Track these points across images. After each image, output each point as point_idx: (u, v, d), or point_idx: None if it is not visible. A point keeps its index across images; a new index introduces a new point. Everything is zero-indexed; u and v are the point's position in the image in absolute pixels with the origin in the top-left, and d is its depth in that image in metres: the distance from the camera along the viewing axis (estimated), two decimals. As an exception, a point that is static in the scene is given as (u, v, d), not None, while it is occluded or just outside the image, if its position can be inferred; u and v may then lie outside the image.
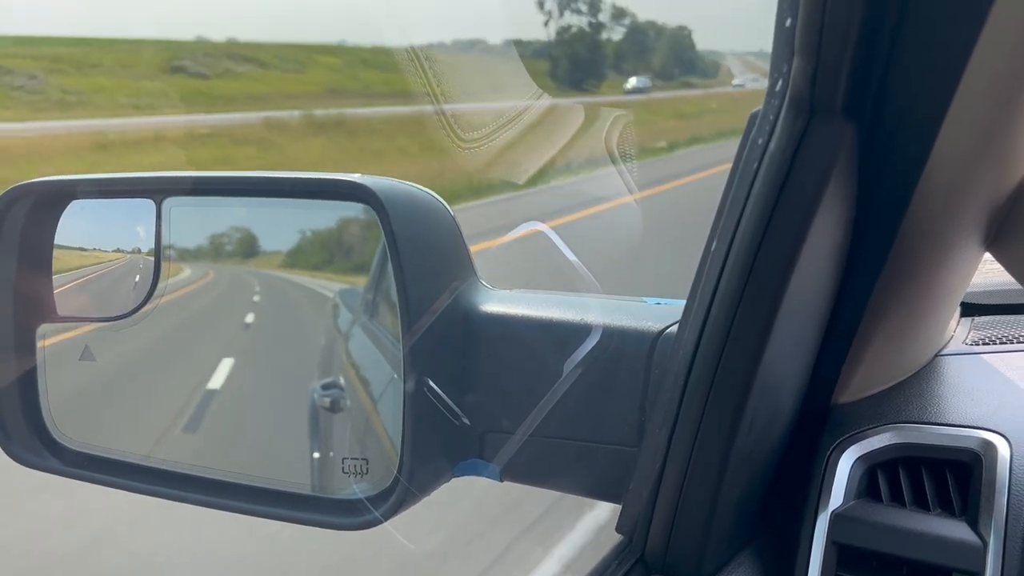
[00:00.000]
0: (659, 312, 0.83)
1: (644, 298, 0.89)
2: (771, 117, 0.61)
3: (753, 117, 0.64)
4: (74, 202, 0.92)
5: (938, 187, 0.65)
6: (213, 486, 0.88)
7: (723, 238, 0.66)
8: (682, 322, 0.73)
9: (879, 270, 0.73)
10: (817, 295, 0.73)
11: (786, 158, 0.61)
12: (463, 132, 0.88)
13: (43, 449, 0.93)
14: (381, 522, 0.83)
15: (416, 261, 0.80)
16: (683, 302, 0.78)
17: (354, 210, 0.81)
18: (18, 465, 0.93)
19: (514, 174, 1.00)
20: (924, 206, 0.66)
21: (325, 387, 0.93)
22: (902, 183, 0.65)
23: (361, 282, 0.92)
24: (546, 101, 0.94)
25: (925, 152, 0.62)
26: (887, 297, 0.75)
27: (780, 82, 0.59)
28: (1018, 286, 1.17)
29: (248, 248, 0.94)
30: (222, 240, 0.95)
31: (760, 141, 0.62)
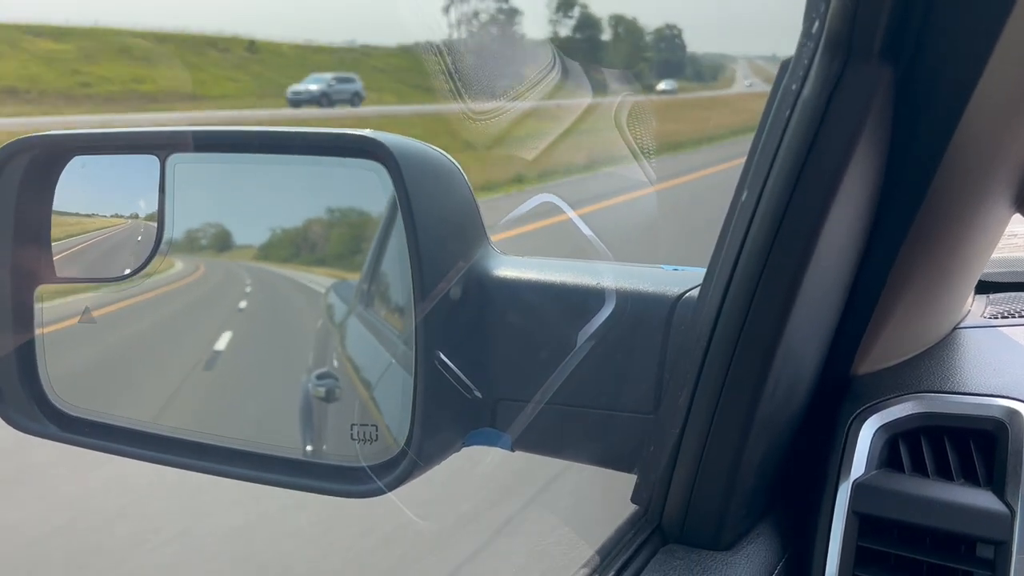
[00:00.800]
0: (677, 278, 0.81)
1: (661, 264, 0.87)
2: (805, 62, 0.59)
3: (785, 64, 0.62)
4: (76, 158, 0.89)
5: (973, 140, 0.63)
6: (215, 452, 0.86)
7: (751, 192, 0.64)
8: (704, 283, 0.71)
9: (905, 232, 0.71)
10: (842, 258, 0.71)
11: (820, 103, 0.58)
12: (475, 104, 0.86)
13: (40, 414, 0.91)
14: (384, 492, 0.81)
15: (430, 223, 0.77)
16: (700, 269, 0.76)
17: (367, 168, 0.78)
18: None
19: (524, 149, 0.98)
20: (957, 160, 0.64)
21: (320, 377, 0.91)
22: (937, 134, 0.63)
23: (354, 276, 0.90)
24: (557, 73, 0.92)
25: (963, 102, 0.60)
26: (911, 263, 0.74)
27: (816, 23, 0.57)
28: None
29: (250, 213, 0.91)
30: (228, 204, 0.92)
31: (793, 87, 0.60)
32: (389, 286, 0.86)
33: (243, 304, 0.95)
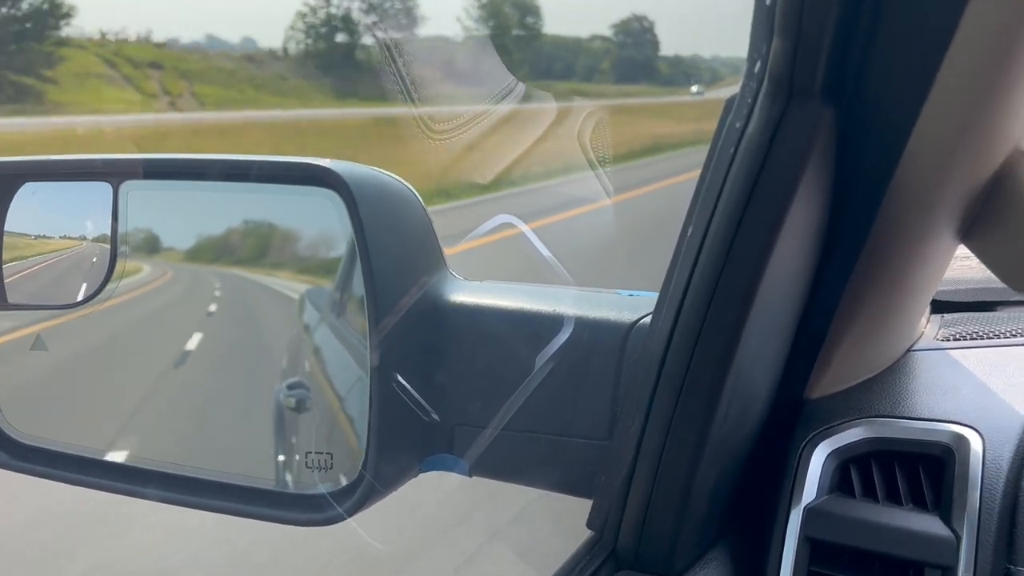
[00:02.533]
0: (632, 303, 0.82)
1: (618, 290, 0.87)
2: (748, 100, 0.60)
3: (730, 102, 0.63)
4: (26, 184, 0.88)
5: (915, 175, 0.64)
6: (172, 481, 0.85)
7: (699, 225, 0.65)
8: (655, 311, 0.72)
9: (854, 261, 0.72)
10: (792, 285, 0.72)
11: (764, 141, 0.59)
12: (434, 123, 0.86)
13: (-10, 443, 0.89)
14: (344, 518, 0.81)
15: (385, 251, 0.77)
16: (656, 294, 0.76)
17: (321, 196, 0.78)
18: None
19: (485, 169, 0.98)
20: (901, 194, 0.66)
21: (291, 387, 0.91)
22: (879, 170, 0.64)
23: (328, 283, 0.90)
24: (521, 91, 0.92)
25: (903, 139, 0.61)
26: (861, 290, 0.75)
27: (759, 63, 0.58)
28: (986, 284, 1.18)
29: (208, 240, 0.91)
30: (181, 229, 0.92)
31: (737, 125, 0.61)
32: (358, 297, 0.86)
33: (213, 308, 0.95)
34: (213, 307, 0.95)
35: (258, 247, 0.89)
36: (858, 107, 0.61)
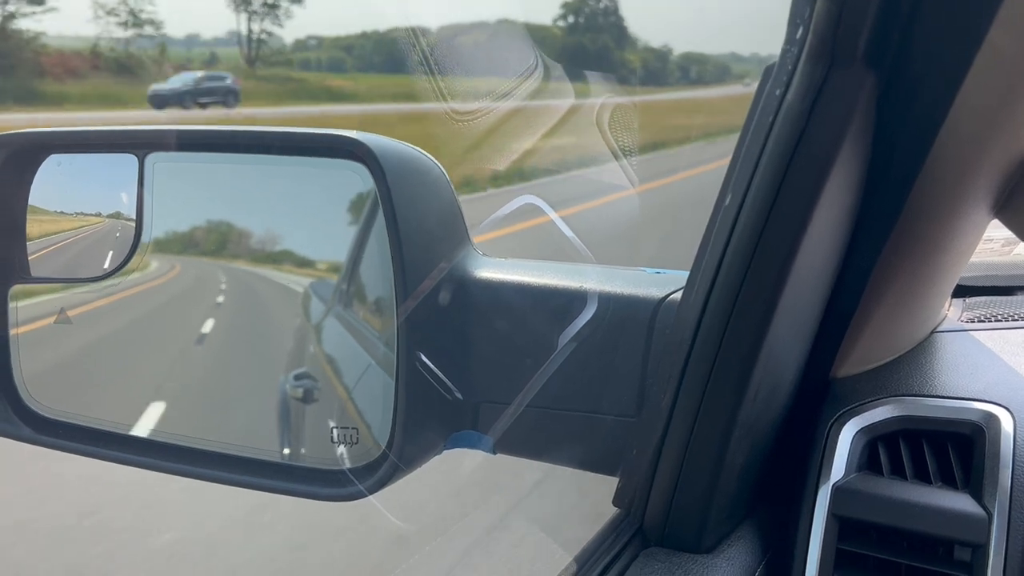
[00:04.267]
0: (659, 280, 0.81)
1: (643, 267, 0.87)
2: (788, 67, 0.60)
3: (769, 69, 0.62)
4: (51, 156, 0.87)
5: (954, 146, 0.64)
6: (193, 455, 0.85)
7: (736, 194, 0.64)
8: (687, 286, 0.71)
9: (886, 237, 0.72)
10: (824, 261, 0.71)
11: (804, 109, 0.59)
12: (459, 105, 0.85)
13: (13, 416, 0.89)
14: (365, 495, 0.81)
15: (412, 226, 0.77)
16: (683, 272, 0.76)
17: (349, 168, 0.78)
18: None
19: (507, 150, 0.98)
20: (938, 166, 0.65)
21: (297, 377, 0.90)
22: (918, 140, 0.64)
23: (333, 276, 0.89)
24: (541, 72, 0.92)
25: (944, 108, 0.61)
26: (891, 268, 0.74)
27: (800, 29, 0.58)
28: (1007, 269, 1.18)
29: (231, 214, 0.90)
30: (208, 203, 0.91)
31: (777, 92, 0.60)
32: (369, 286, 0.85)
33: (221, 299, 0.94)
34: (221, 298, 0.95)
35: (282, 221, 0.89)
36: (901, 74, 0.60)
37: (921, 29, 0.58)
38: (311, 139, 0.80)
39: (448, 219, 0.83)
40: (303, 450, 0.90)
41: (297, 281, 0.89)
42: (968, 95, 0.59)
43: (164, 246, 0.88)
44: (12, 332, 0.89)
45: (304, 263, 0.88)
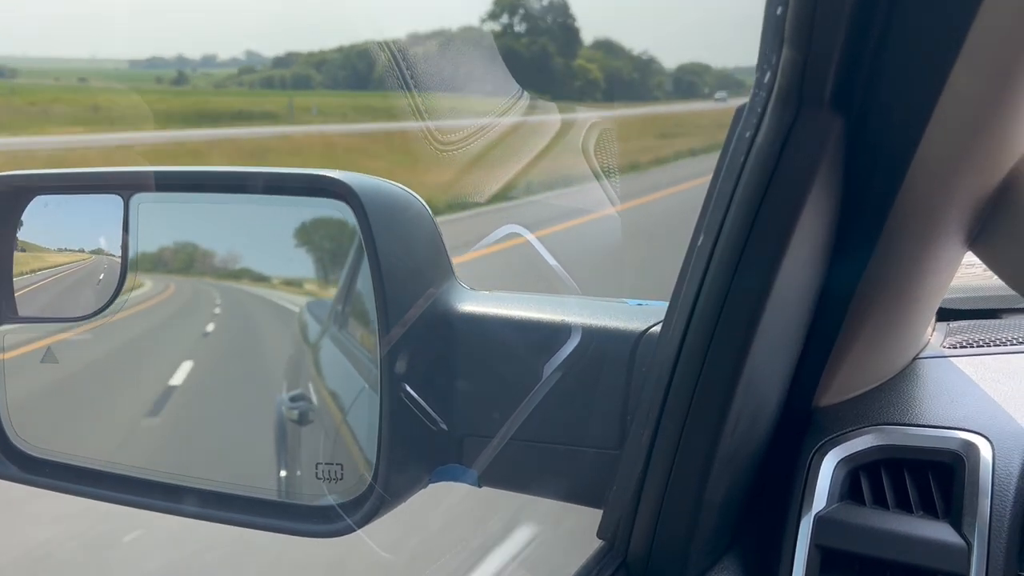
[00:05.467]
0: (641, 313, 0.82)
1: (625, 299, 0.88)
2: (758, 110, 0.61)
3: (740, 111, 0.63)
4: (37, 198, 0.88)
5: (924, 184, 0.65)
6: (181, 492, 0.85)
7: (709, 234, 0.65)
8: (666, 320, 0.72)
9: (862, 269, 0.72)
10: (801, 294, 0.72)
11: (774, 151, 0.60)
12: (441, 135, 0.86)
13: (1, 455, 0.89)
14: (354, 530, 0.81)
15: (395, 261, 0.78)
16: (664, 303, 0.76)
17: (330, 207, 0.79)
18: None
19: (491, 180, 0.98)
20: (909, 203, 0.66)
21: (293, 399, 0.91)
22: (888, 179, 0.65)
23: (328, 296, 0.90)
24: (526, 102, 0.93)
25: (912, 148, 0.62)
26: (869, 298, 0.75)
27: (768, 74, 0.59)
28: (991, 292, 1.19)
29: (217, 252, 0.91)
30: (192, 243, 0.92)
31: (747, 135, 0.61)
32: (361, 309, 0.86)
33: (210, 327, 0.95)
34: (211, 327, 0.95)
35: (269, 258, 0.90)
36: (867, 117, 0.62)
37: (886, 72, 0.59)
38: (293, 179, 0.81)
39: (430, 253, 0.84)
40: (298, 473, 0.90)
41: (291, 300, 0.90)
42: (934, 134, 0.61)
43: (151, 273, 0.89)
44: (-1, 372, 0.90)
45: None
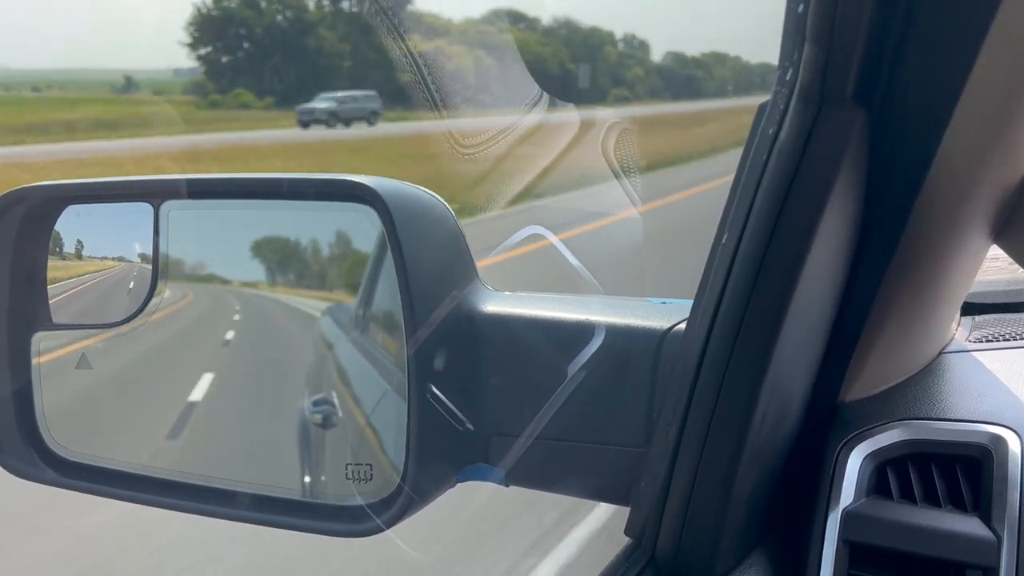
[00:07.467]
0: (665, 311, 0.83)
1: (649, 298, 0.88)
2: (780, 107, 0.61)
3: (762, 108, 0.64)
4: (70, 207, 0.90)
5: (947, 178, 0.65)
6: (212, 494, 0.87)
7: (733, 232, 0.65)
8: (691, 318, 0.73)
9: (886, 264, 0.73)
10: (826, 290, 0.73)
11: (796, 148, 0.60)
12: (462, 138, 0.87)
13: (38, 460, 0.91)
14: (384, 529, 0.82)
15: (420, 264, 0.79)
16: (688, 302, 0.77)
17: (356, 211, 0.80)
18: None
19: (512, 182, 0.99)
20: (933, 198, 0.66)
21: (316, 403, 0.92)
22: (911, 174, 0.65)
23: (349, 300, 0.91)
24: (545, 103, 0.93)
25: (935, 143, 0.62)
26: (894, 293, 0.75)
27: (790, 71, 0.59)
28: (1015, 286, 1.18)
29: (247, 256, 0.92)
30: (222, 248, 0.93)
31: (770, 132, 0.62)
32: (383, 313, 0.87)
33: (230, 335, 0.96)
34: (230, 334, 0.97)
35: (296, 262, 0.91)
36: (889, 112, 0.62)
37: (908, 68, 0.59)
38: (320, 184, 0.82)
39: (455, 255, 0.85)
40: (323, 478, 0.91)
41: (312, 305, 0.91)
42: (957, 128, 0.61)
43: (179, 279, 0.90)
44: (35, 379, 0.91)
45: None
